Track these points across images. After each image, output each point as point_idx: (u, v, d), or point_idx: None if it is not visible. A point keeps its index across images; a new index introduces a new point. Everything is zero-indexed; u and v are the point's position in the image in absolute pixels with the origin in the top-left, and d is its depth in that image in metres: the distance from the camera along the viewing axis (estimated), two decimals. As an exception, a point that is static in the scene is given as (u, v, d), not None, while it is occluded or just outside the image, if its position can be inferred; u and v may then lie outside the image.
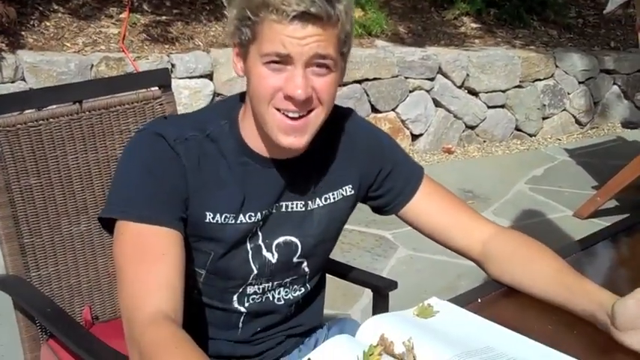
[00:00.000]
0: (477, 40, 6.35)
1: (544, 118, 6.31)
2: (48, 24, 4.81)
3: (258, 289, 1.63)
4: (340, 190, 1.65)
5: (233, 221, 1.53)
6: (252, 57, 1.44)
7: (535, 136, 6.27)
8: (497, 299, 1.59)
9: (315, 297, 1.78)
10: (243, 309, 1.64)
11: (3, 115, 1.90)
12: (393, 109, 5.58)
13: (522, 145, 6.12)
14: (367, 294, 2.17)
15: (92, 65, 4.51)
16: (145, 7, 5.26)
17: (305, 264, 1.66)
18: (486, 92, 5.95)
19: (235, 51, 1.51)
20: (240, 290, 1.62)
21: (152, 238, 1.42)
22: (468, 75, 5.82)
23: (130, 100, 2.09)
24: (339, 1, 1.41)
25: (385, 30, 5.96)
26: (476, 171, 5.47)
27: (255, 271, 1.59)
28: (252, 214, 1.54)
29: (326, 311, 1.87)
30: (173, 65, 4.72)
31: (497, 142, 6.07)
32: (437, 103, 5.77)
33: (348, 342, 1.39)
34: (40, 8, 4.88)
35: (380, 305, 2.00)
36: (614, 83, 6.68)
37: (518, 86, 6.09)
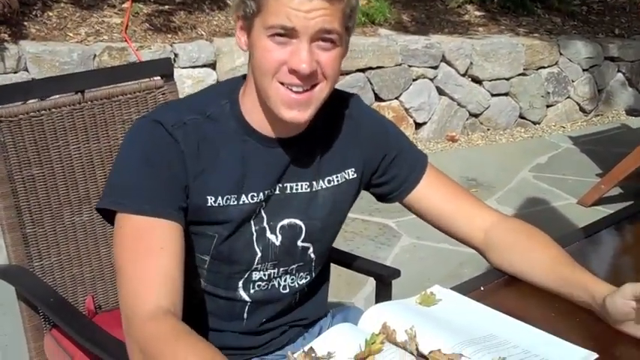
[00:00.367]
0: (480, 28, 6.33)
1: (548, 106, 6.30)
2: (50, 14, 4.81)
3: (264, 275, 1.62)
4: (343, 173, 1.64)
5: (235, 202, 1.52)
6: (256, 30, 1.43)
7: (539, 123, 6.26)
8: (500, 287, 1.59)
9: (319, 286, 1.78)
10: (247, 297, 1.63)
11: (5, 106, 1.89)
12: (396, 98, 5.57)
13: (526, 133, 6.11)
14: (371, 282, 2.17)
15: (95, 55, 4.51)
16: (148, -4, 5.26)
17: (311, 250, 1.65)
18: (490, 80, 5.93)
19: (239, 24, 1.49)
20: (246, 276, 1.61)
21: (151, 231, 1.40)
22: (471, 63, 5.81)
23: (132, 90, 2.09)
24: None
25: (388, 18, 5.94)
26: (480, 159, 5.46)
27: (260, 254, 1.58)
28: (255, 194, 1.53)
29: (330, 299, 1.87)
30: (176, 55, 4.72)
31: (501, 130, 6.06)
32: (440, 92, 5.76)
33: (350, 330, 1.39)
34: (43, -2, 4.89)
35: (383, 294, 2.00)
36: (619, 71, 6.67)
37: (522, 74, 6.07)
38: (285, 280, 1.66)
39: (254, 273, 1.61)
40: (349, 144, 1.65)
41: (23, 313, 1.97)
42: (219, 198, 1.51)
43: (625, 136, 6.02)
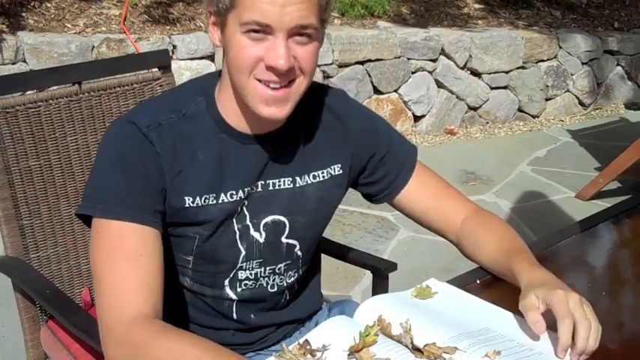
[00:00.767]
0: (479, 21, 6.33)
1: (547, 100, 6.30)
2: (49, 5, 4.80)
3: (250, 274, 1.60)
4: (329, 168, 1.62)
5: (214, 201, 1.50)
6: (230, 26, 1.39)
7: (538, 117, 6.26)
8: (496, 281, 1.59)
9: (309, 282, 1.77)
10: (234, 296, 1.62)
11: (3, 97, 1.89)
12: (395, 91, 5.57)
13: (525, 126, 6.12)
14: (368, 275, 2.17)
15: (93, 47, 4.50)
16: (146, -12, 5.25)
17: (297, 247, 1.64)
18: (489, 73, 5.93)
19: (211, 20, 1.46)
20: (232, 275, 1.59)
21: (127, 238, 1.38)
22: (470, 56, 5.81)
23: (129, 82, 2.08)
24: None
25: (388, 11, 5.94)
26: (478, 152, 5.46)
27: (244, 252, 1.57)
28: (234, 192, 1.51)
29: (327, 292, 1.87)
30: (174, 46, 4.71)
31: (500, 123, 6.06)
32: (439, 84, 5.76)
33: (345, 323, 1.39)
34: (41, -11, 4.87)
35: (380, 287, 2.00)
36: (618, 64, 6.67)
37: (522, 67, 6.07)
38: (273, 280, 1.64)
39: (240, 272, 1.60)
40: (335, 139, 1.62)
41: (20, 305, 1.97)
42: (198, 198, 1.49)
43: (624, 130, 6.03)
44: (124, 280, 1.34)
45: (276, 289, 1.65)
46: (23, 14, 4.60)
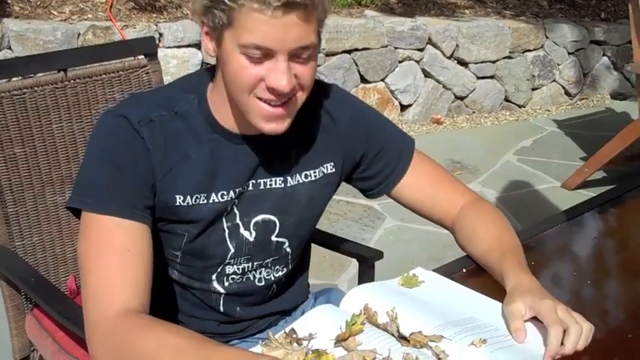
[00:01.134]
0: (467, 11, 6.33)
1: (533, 89, 6.31)
2: (34, -8, 4.77)
3: (238, 269, 1.60)
4: (321, 167, 1.61)
5: (205, 201, 1.49)
6: (228, 43, 1.35)
7: (524, 107, 6.27)
8: (482, 270, 1.59)
9: (297, 277, 1.77)
10: (222, 289, 1.62)
11: (-13, 84, 1.88)
12: (382, 80, 5.57)
13: (511, 115, 6.13)
14: (354, 264, 2.17)
15: (79, 34, 4.47)
16: (133, -26, 5.22)
17: (286, 244, 1.63)
18: (476, 63, 5.93)
19: (204, 30, 1.41)
20: (219, 270, 1.59)
21: (116, 233, 1.37)
22: (457, 45, 5.81)
23: (115, 69, 2.07)
24: None
25: (375, 0, 5.92)
26: (464, 142, 5.47)
27: (233, 250, 1.56)
28: (225, 193, 1.50)
29: (313, 281, 1.87)
30: (161, 34, 4.69)
31: (487, 112, 6.07)
32: (426, 74, 5.76)
33: (331, 311, 1.39)
34: (27, -24, 4.84)
35: (366, 275, 2.00)
36: (604, 54, 6.69)
37: (508, 57, 6.08)
38: (260, 273, 1.64)
39: (227, 267, 1.59)
40: (327, 138, 1.61)
41: (4, 293, 1.96)
42: (189, 197, 1.48)
43: (609, 120, 6.06)
44: (112, 275, 1.33)
45: (263, 282, 1.65)
46: (9, 1, 4.57)
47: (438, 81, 5.80)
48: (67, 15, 4.62)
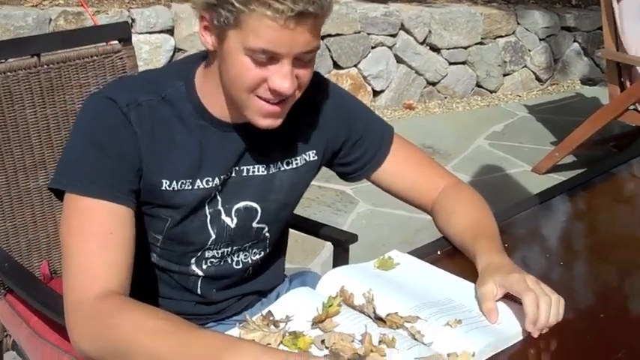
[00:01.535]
0: (439, -3, 6.35)
1: (505, 75, 6.35)
2: (4, -24, 4.71)
3: (217, 253, 1.61)
4: (304, 155, 1.62)
5: (190, 187, 1.49)
6: (232, 42, 1.34)
7: (495, 92, 6.31)
8: (456, 252, 1.61)
9: (274, 260, 1.78)
10: (200, 272, 1.62)
11: (-41, 69, 1.86)
12: (354, 65, 5.57)
13: (483, 101, 6.16)
14: (327, 248, 2.19)
15: (50, 20, 4.42)
16: (104, -41, 5.17)
17: (266, 229, 1.64)
18: (448, 49, 5.96)
19: (204, 24, 1.39)
20: (199, 254, 1.60)
21: (99, 215, 1.37)
22: (430, 31, 5.82)
23: (89, 54, 2.05)
24: None
25: (347, -15, 5.92)
26: (436, 127, 5.50)
27: (214, 236, 1.57)
28: (210, 179, 1.51)
29: (287, 265, 1.87)
30: (133, 20, 4.65)
31: (458, 98, 6.10)
32: (399, 60, 5.77)
33: (308, 294, 1.41)
34: (-4, -40, 4.78)
35: (340, 259, 2.02)
36: (575, 40, 6.74)
37: (480, 43, 6.11)
38: (238, 257, 1.65)
39: (207, 252, 1.60)
40: (309, 127, 1.62)
41: (-22, 279, 1.96)
42: (174, 182, 1.48)
43: (579, 105, 6.11)
44: (93, 257, 1.33)
45: (241, 265, 1.66)
46: (-22, -15, 4.51)
47: (410, 67, 5.82)
48: (38, 0, 4.57)
